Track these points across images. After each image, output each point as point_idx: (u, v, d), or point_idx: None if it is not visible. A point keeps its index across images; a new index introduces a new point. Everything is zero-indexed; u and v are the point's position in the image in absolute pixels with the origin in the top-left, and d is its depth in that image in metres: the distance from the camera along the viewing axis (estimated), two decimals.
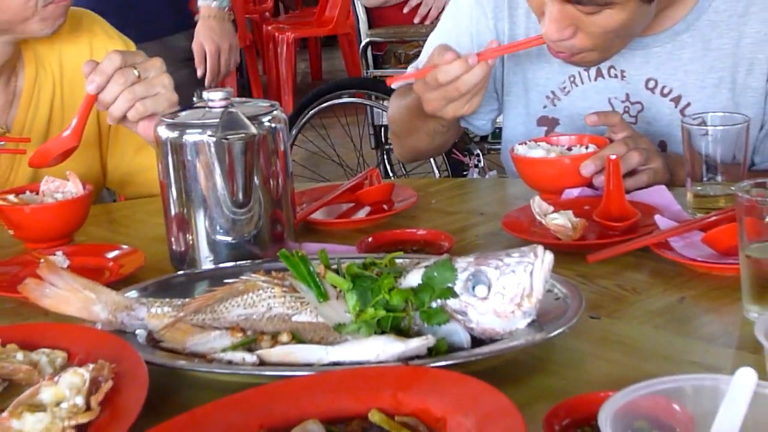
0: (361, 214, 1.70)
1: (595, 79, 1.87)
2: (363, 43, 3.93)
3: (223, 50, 2.98)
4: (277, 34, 6.43)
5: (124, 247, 1.56)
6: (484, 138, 3.64)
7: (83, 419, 0.97)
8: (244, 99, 1.50)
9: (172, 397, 1.09)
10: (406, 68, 2.24)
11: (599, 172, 1.60)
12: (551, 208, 1.50)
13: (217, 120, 1.38)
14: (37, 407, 0.99)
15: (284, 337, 1.12)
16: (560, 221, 1.46)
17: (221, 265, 1.40)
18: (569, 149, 1.70)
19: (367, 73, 4.05)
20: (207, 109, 1.42)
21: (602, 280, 1.35)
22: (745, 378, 0.82)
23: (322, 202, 1.70)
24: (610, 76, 1.85)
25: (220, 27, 2.99)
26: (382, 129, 3.97)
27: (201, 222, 1.42)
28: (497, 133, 2.19)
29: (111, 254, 1.54)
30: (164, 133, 1.42)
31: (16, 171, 1.87)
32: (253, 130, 1.39)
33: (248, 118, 1.39)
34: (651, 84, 1.83)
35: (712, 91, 1.80)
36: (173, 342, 1.16)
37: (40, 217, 1.63)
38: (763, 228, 1.17)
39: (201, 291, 1.27)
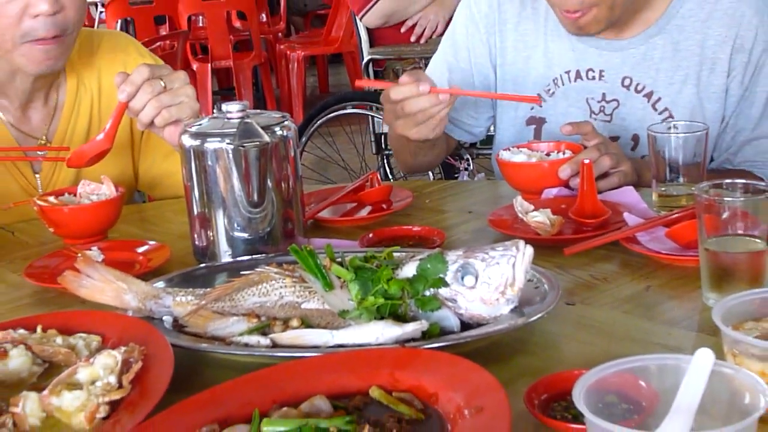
0: (363, 212, 1.69)
1: (575, 81, 1.87)
2: (365, 60, 3.91)
3: None
4: (288, 52, 6.43)
5: (153, 242, 1.56)
6: (473, 144, 3.63)
7: (116, 396, 0.98)
8: (258, 111, 1.50)
9: (195, 376, 1.09)
10: None
11: (575, 174, 1.60)
12: (532, 207, 1.50)
13: (235, 129, 1.39)
14: (75, 386, 0.99)
15: (294, 323, 1.12)
16: (540, 218, 1.46)
17: (238, 259, 1.40)
18: (548, 155, 1.70)
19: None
20: (225, 119, 1.42)
21: (577, 270, 1.35)
22: (704, 358, 0.82)
23: (328, 202, 1.70)
24: (588, 78, 1.87)
25: None
26: (382, 136, 3.96)
27: (220, 220, 1.42)
28: (485, 140, 2.19)
29: (141, 249, 1.54)
30: (187, 141, 1.42)
31: (57, 174, 1.87)
32: (267, 138, 1.39)
33: (262, 127, 1.39)
34: (627, 82, 1.84)
35: (680, 87, 1.81)
36: (196, 327, 1.16)
37: (78, 217, 1.63)
38: (720, 224, 1.17)
39: (221, 281, 1.28)
